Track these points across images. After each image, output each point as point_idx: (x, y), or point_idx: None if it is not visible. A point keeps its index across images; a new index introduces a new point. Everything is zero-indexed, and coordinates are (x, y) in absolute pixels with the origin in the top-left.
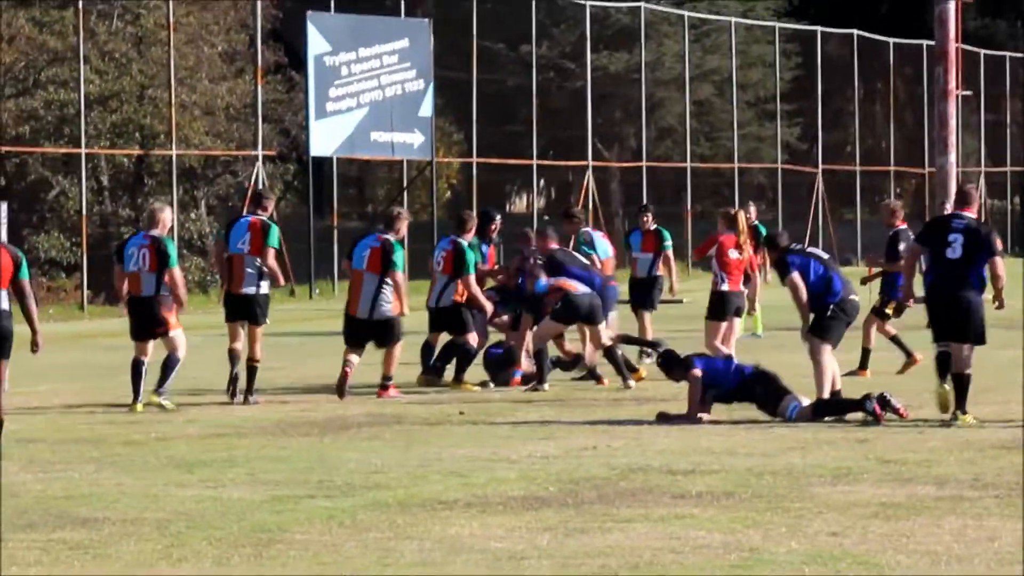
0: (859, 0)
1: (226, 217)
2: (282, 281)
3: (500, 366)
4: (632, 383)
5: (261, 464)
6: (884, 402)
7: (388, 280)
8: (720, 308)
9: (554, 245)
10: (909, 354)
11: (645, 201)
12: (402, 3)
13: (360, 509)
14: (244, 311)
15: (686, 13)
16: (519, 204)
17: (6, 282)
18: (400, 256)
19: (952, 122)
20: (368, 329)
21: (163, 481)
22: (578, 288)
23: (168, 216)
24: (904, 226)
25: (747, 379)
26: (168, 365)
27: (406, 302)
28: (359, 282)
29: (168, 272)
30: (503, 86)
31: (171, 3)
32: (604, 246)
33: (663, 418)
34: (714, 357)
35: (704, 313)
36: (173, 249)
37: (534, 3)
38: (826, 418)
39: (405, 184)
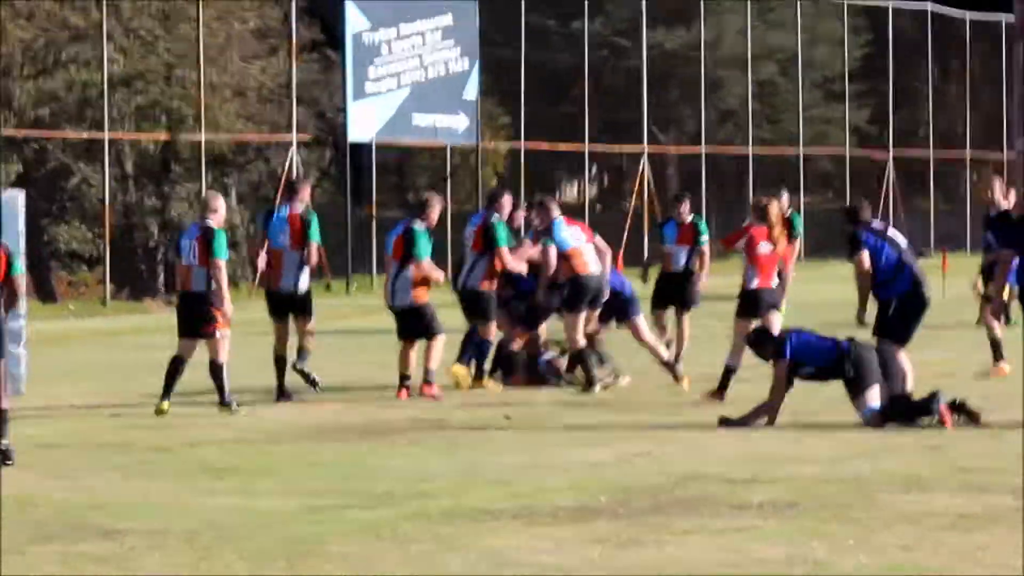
0: None
1: (257, 207)
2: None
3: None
4: (597, 388)
5: (296, 471)
6: (955, 405)
7: (408, 268)
8: (751, 306)
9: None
10: (999, 358)
11: (703, 187)
12: None
13: (401, 520)
14: (290, 308)
15: None
16: (570, 192)
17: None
18: (422, 244)
19: None
20: (397, 317)
21: (192, 489)
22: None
23: (223, 203)
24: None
25: (843, 355)
26: (216, 375)
27: (428, 287)
28: (388, 270)
29: (212, 264)
30: (553, 65)
31: None
32: (569, 235)
33: (725, 423)
34: (808, 332)
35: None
36: (222, 240)
37: None
38: (892, 424)
39: (449, 171)
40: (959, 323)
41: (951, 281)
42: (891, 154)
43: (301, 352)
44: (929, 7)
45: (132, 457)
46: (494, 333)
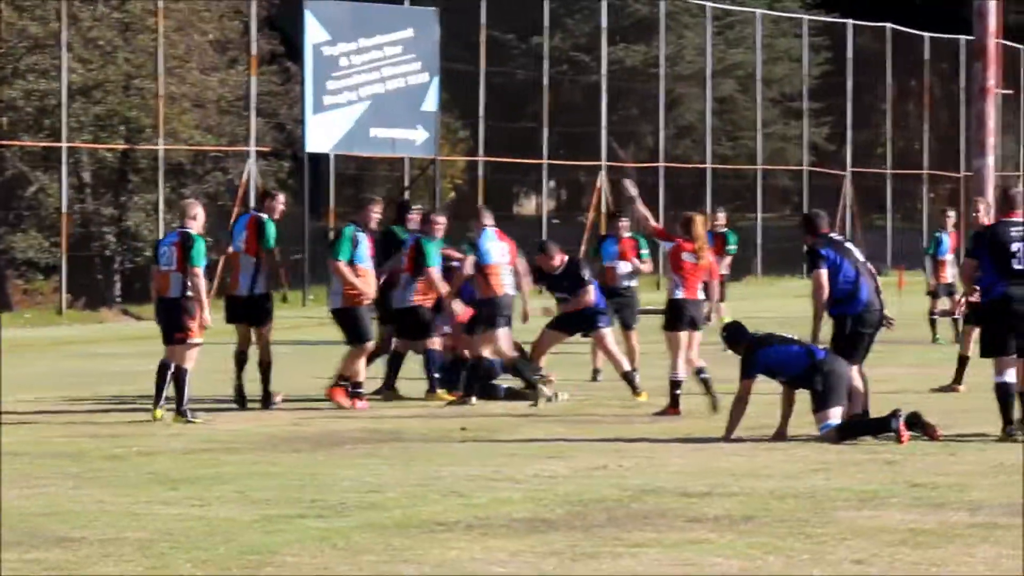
0: None
1: (215, 217)
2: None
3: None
4: (542, 401)
5: (250, 481)
6: (913, 422)
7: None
8: (675, 317)
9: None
10: (958, 380)
11: (661, 203)
12: None
13: (355, 530)
14: (245, 313)
15: (708, 4)
16: (528, 206)
17: None
18: (341, 245)
19: (991, 122)
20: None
21: (146, 498)
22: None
23: (202, 211)
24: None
25: (815, 365)
26: (179, 380)
27: (359, 290)
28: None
29: (189, 271)
30: (512, 80)
31: None
32: (494, 250)
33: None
34: (785, 341)
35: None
36: (200, 247)
37: None
38: (848, 440)
39: (407, 183)
40: (914, 339)
41: (907, 299)
42: (849, 171)
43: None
44: (888, 26)
45: (87, 466)
46: (438, 344)
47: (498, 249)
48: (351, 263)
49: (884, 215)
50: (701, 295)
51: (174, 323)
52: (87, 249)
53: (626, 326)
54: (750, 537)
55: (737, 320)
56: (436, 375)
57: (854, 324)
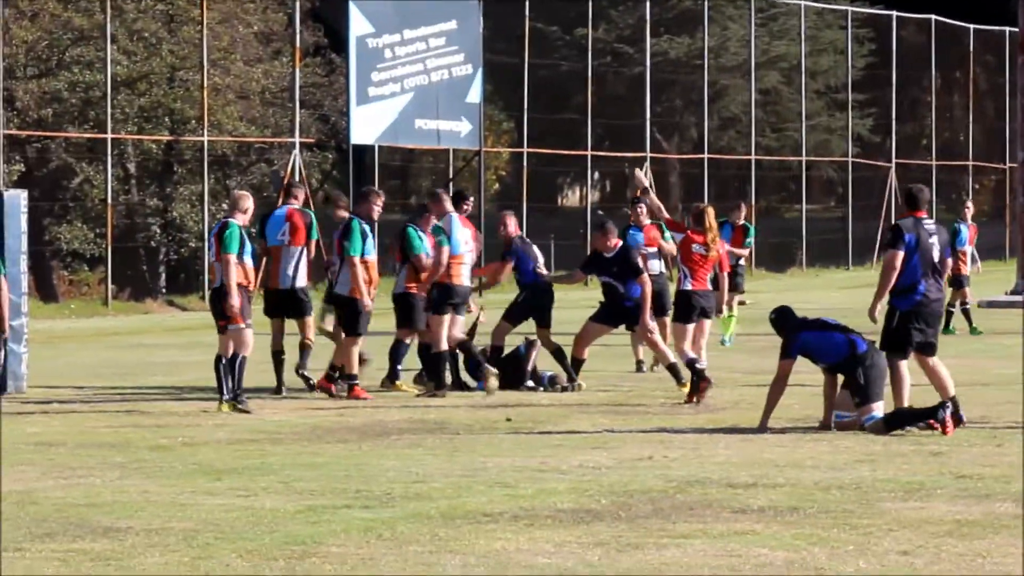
0: None
1: (261, 208)
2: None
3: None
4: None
5: (295, 472)
6: (955, 415)
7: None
8: (684, 309)
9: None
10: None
11: (706, 194)
12: None
13: (400, 521)
14: (287, 306)
15: None
16: (572, 197)
17: None
18: (354, 240)
19: None
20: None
21: (191, 489)
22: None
23: (250, 204)
24: None
25: (856, 356)
26: (232, 367)
27: (363, 289)
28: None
29: (221, 259)
30: (556, 71)
31: None
32: (461, 237)
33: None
34: (826, 326)
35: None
36: (234, 235)
37: None
38: (895, 431)
39: (451, 175)
40: (962, 330)
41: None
42: (893, 163)
43: (303, 351)
44: (933, 18)
45: (131, 456)
46: (407, 336)
47: (463, 237)
48: (361, 257)
49: (929, 207)
50: (710, 286)
51: (217, 311)
52: (132, 240)
53: (661, 312)
54: (795, 528)
55: (786, 305)
56: (399, 366)
57: (902, 319)
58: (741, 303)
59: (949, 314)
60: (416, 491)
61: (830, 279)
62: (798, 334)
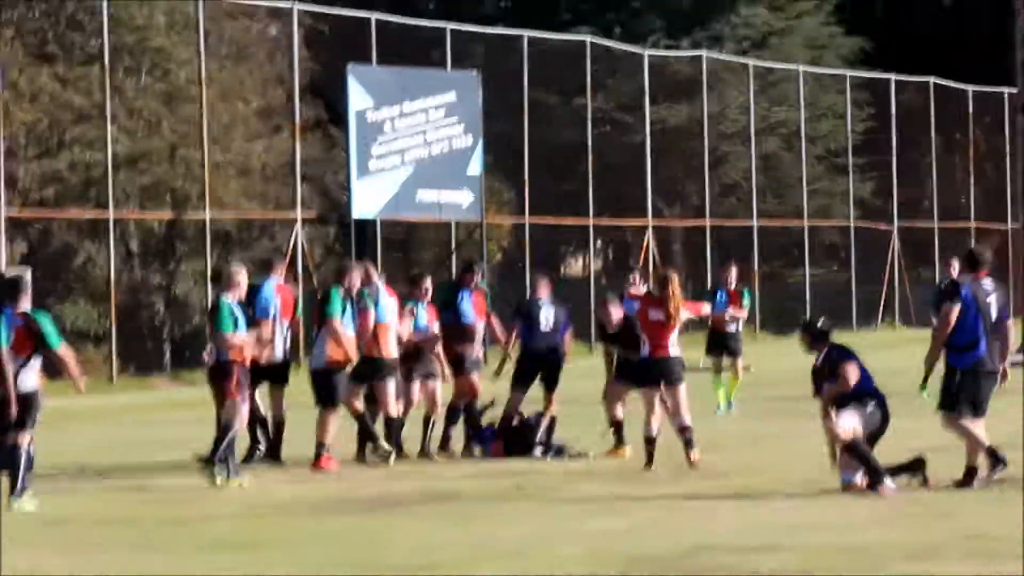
0: (935, 46)
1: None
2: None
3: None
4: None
5: (307, 545)
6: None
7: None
8: (641, 375)
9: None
10: None
11: (708, 260)
12: (448, 55)
13: None
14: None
15: (751, 62)
16: (575, 266)
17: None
18: (333, 305)
19: None
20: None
21: (204, 563)
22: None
23: (240, 278)
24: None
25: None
26: (221, 433)
27: (345, 353)
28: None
29: (214, 336)
30: (557, 141)
31: (203, 57)
32: (387, 307)
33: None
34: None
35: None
36: (223, 312)
37: (588, 53)
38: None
39: (454, 246)
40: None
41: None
42: (895, 226)
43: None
44: (932, 80)
45: (142, 531)
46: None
47: (391, 307)
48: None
49: (932, 268)
50: (675, 351)
51: (215, 387)
52: (136, 318)
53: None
54: None
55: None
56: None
57: (963, 378)
58: (746, 368)
59: None
60: (428, 562)
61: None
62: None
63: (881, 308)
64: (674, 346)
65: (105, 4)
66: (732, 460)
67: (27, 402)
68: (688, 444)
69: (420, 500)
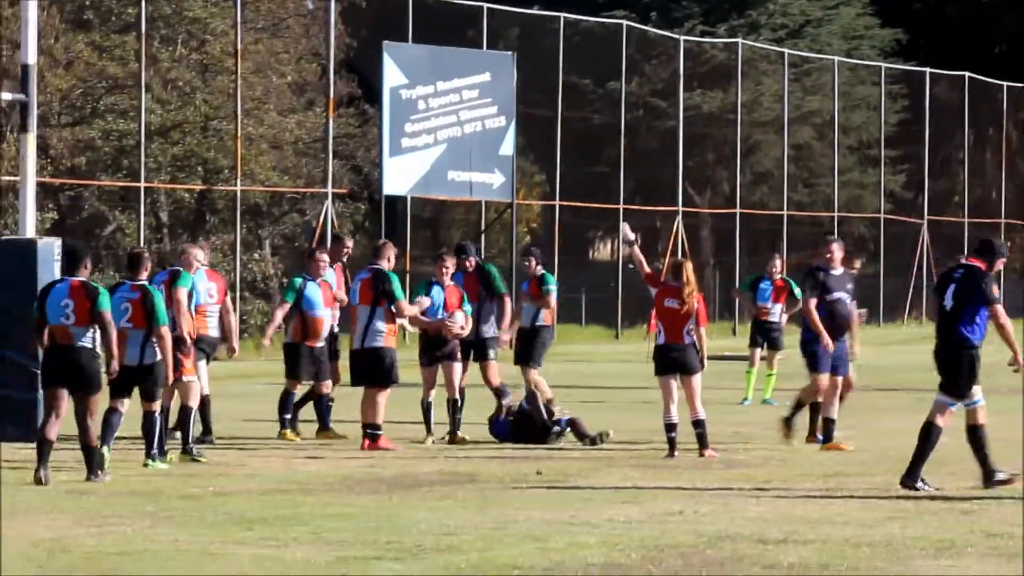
0: (970, 40)
1: (291, 258)
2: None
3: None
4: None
5: (326, 522)
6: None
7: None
8: (659, 363)
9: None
10: None
11: (738, 249)
12: (484, 35)
13: (431, 573)
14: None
15: (786, 51)
16: (603, 251)
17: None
18: (396, 284)
19: None
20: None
21: (221, 538)
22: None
23: (196, 255)
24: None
25: None
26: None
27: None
28: (353, 317)
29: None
30: (589, 124)
31: (239, 30)
32: (203, 288)
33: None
34: None
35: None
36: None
37: (624, 37)
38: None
39: (483, 227)
40: (992, 388)
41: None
42: (926, 220)
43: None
44: (967, 75)
45: (162, 505)
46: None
47: (206, 289)
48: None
49: None
50: (689, 339)
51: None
52: None
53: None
54: None
55: None
56: (287, 415)
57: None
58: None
59: None
60: (447, 543)
61: (862, 336)
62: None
63: (908, 303)
64: (688, 334)
65: None
66: (757, 452)
67: (151, 372)
68: (700, 439)
69: (439, 482)
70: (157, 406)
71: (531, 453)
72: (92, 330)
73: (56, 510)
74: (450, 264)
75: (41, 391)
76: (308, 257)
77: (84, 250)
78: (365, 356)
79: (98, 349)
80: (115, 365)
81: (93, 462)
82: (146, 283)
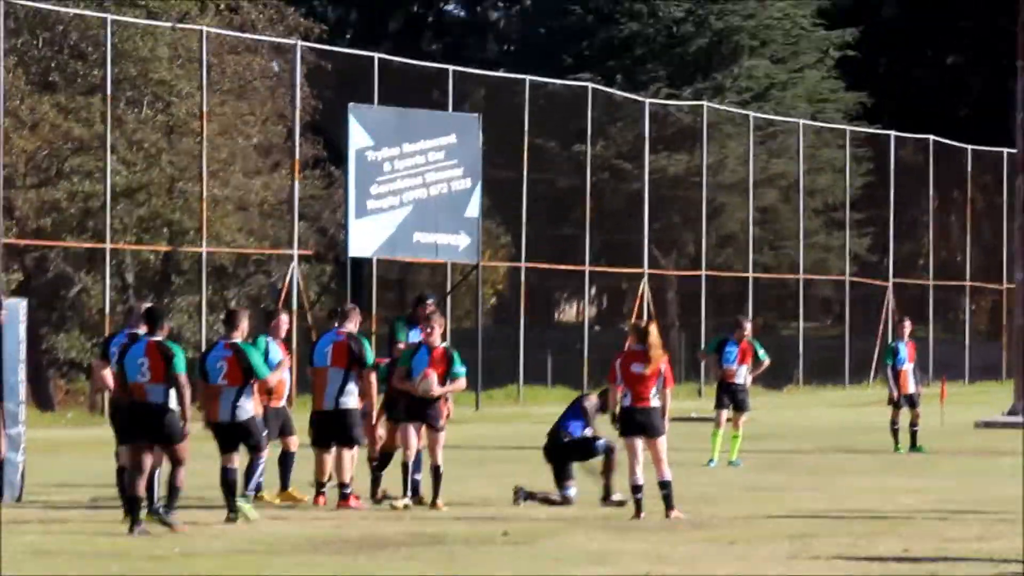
0: (935, 103)
1: (257, 319)
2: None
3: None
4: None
5: None
6: None
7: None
8: (627, 424)
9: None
10: None
11: (703, 311)
12: (450, 97)
13: None
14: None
15: (751, 114)
16: (569, 312)
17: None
18: (368, 349)
19: None
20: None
21: None
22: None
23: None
24: None
25: None
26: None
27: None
28: (323, 379)
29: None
30: (555, 187)
31: (205, 91)
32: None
33: None
34: None
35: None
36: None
37: (590, 99)
38: None
39: (449, 288)
40: (958, 450)
41: (948, 409)
42: (891, 282)
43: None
44: (931, 138)
45: (129, 566)
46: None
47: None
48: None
49: (926, 326)
50: (656, 402)
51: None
52: None
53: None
54: None
55: None
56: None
57: None
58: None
59: (908, 432)
60: None
61: (827, 397)
62: None
63: (874, 364)
64: (655, 397)
65: (109, 35)
66: (723, 512)
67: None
68: (667, 500)
69: (405, 542)
70: (264, 453)
71: (498, 513)
72: (167, 387)
73: (25, 570)
74: (437, 326)
75: (120, 447)
76: (270, 318)
77: (163, 312)
78: (338, 417)
79: (173, 405)
80: (188, 427)
81: (173, 500)
82: (238, 341)
